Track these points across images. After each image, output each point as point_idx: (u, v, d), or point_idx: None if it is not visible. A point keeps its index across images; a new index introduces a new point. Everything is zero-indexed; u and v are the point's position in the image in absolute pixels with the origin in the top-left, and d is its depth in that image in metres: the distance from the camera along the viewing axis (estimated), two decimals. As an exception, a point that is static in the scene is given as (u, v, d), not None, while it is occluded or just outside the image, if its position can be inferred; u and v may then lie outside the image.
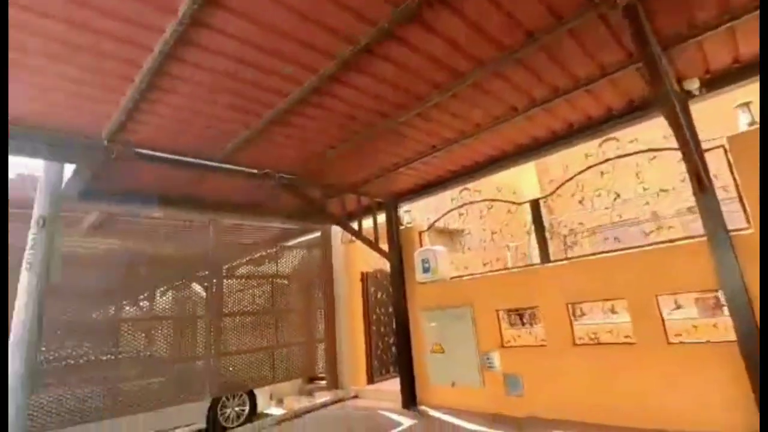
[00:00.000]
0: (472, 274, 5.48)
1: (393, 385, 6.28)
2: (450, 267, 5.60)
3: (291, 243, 7.33)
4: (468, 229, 8.56)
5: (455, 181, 5.37)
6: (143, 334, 5.62)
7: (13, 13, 2.21)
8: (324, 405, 6.01)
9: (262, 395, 6.59)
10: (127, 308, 6.08)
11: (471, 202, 6.22)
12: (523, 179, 8.70)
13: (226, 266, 6.60)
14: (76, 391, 4.78)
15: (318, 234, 7.31)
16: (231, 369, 6.22)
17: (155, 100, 3.09)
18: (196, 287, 6.60)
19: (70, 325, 4.99)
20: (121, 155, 3.61)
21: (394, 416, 5.06)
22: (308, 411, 5.83)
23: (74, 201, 4.23)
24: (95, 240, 5.43)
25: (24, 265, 3.43)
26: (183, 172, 4.36)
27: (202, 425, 5.91)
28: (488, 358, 4.86)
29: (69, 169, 3.93)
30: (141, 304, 6.25)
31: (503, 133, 4.27)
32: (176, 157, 3.96)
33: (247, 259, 6.80)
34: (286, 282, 7.19)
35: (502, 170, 4.97)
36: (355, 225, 5.59)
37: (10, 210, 4.53)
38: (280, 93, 3.17)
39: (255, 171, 4.59)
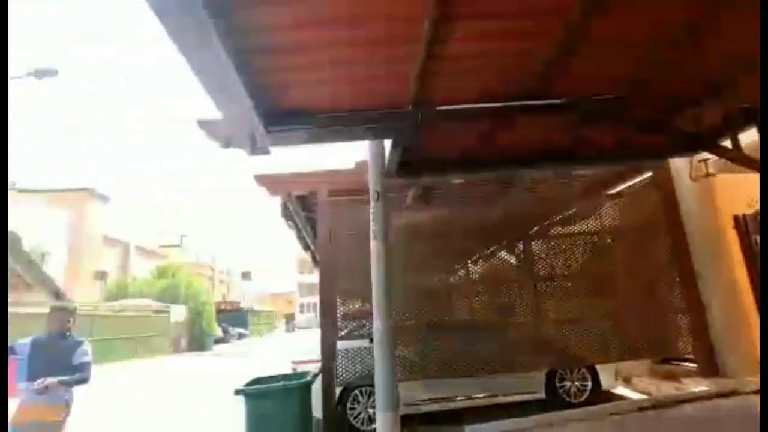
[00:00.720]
0: None
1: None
2: None
3: (614, 191, 5.92)
4: None
5: None
6: (473, 299, 5.75)
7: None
8: (705, 397, 4.43)
9: (605, 372, 5.64)
10: (452, 275, 6.43)
11: None
12: None
13: (537, 227, 5.98)
14: (419, 350, 5.32)
15: (649, 174, 5.60)
16: (563, 340, 5.56)
17: (443, 48, 2.78)
18: (508, 252, 6.32)
19: (408, 290, 5.61)
20: (425, 117, 3.55)
21: None
22: (680, 401, 4.42)
23: (395, 177, 4.60)
24: (415, 214, 5.92)
25: (371, 235, 3.86)
26: (482, 125, 4.02)
27: (542, 396, 5.54)
28: None
29: (388, 146, 4.26)
30: (460, 271, 6.50)
31: None
32: (474, 106, 3.59)
33: (560, 216, 5.95)
34: (611, 240, 5.90)
35: None
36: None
37: (358, 197, 5.52)
38: None
39: (562, 101, 3.70)
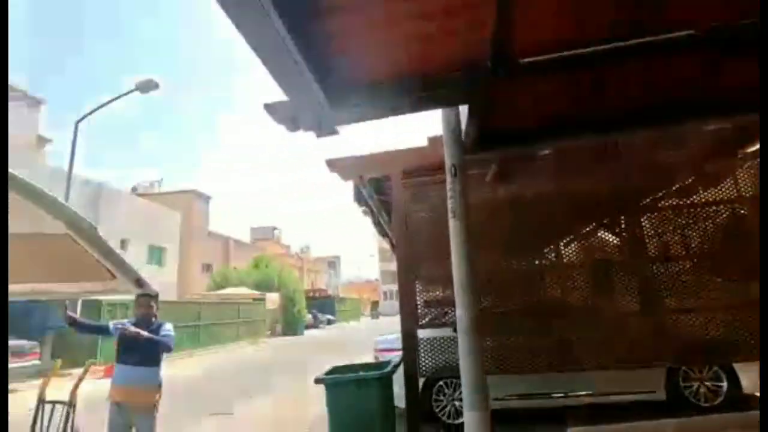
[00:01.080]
0: None
1: None
2: None
3: (754, 148, 4.77)
4: None
5: None
6: (568, 283, 5.08)
7: None
8: None
9: (746, 372, 4.63)
10: (540, 257, 5.77)
11: None
12: None
13: (650, 199, 5.07)
14: (509, 340, 4.80)
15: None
16: (687, 332, 4.66)
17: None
18: (612, 230, 5.48)
19: (493, 274, 5.10)
20: (507, 73, 3.05)
21: None
22: None
23: (473, 149, 4.14)
24: (497, 190, 5.38)
25: (449, 214, 3.51)
26: (576, 78, 3.39)
27: (662, 397, 4.73)
28: None
29: (464, 116, 3.83)
30: (551, 251, 5.80)
31: None
32: (568, 53, 2.99)
33: (681, 184, 4.97)
34: (751, 210, 4.78)
35: None
36: None
37: (434, 176, 5.15)
38: None
39: (680, 34, 2.92)
